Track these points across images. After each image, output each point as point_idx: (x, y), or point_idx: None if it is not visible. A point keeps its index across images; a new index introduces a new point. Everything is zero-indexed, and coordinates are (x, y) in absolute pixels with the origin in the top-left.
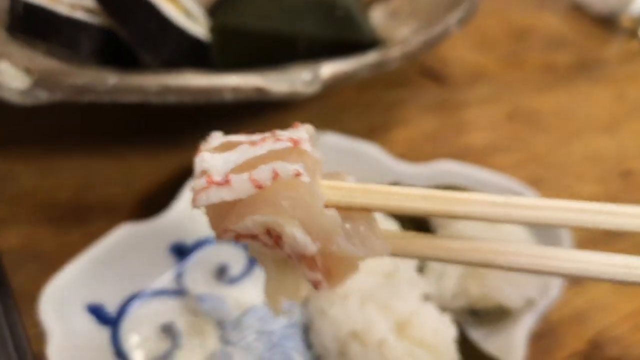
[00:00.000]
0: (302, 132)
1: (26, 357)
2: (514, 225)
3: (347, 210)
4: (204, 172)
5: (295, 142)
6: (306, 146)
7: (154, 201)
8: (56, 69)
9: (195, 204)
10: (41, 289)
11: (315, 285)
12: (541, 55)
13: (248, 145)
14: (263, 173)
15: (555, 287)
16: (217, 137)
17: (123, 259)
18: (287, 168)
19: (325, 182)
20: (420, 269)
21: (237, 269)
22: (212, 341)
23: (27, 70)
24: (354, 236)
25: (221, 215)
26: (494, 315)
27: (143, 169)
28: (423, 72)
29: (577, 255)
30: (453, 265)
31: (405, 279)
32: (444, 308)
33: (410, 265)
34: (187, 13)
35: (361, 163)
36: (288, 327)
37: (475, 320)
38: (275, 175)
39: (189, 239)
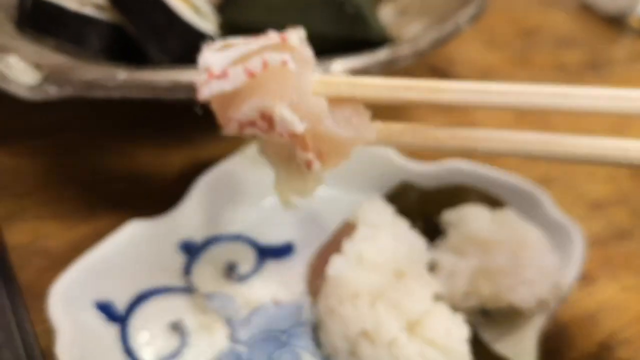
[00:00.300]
0: (292, 33)
1: (34, 353)
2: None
3: (336, 101)
4: (206, 68)
5: (284, 39)
6: (294, 41)
7: (162, 197)
8: (65, 64)
9: (200, 96)
10: (48, 285)
11: (308, 164)
12: (550, 54)
13: (243, 44)
14: (254, 63)
15: (567, 287)
16: (219, 42)
17: (132, 255)
18: (274, 57)
19: (316, 76)
20: (431, 269)
21: (246, 267)
22: (220, 339)
23: (37, 66)
24: (341, 120)
25: (224, 107)
26: (505, 316)
27: (151, 166)
28: (432, 70)
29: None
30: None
31: (416, 278)
32: (455, 308)
33: (421, 264)
34: (196, 9)
35: (371, 160)
36: (297, 326)
37: (486, 321)
38: (265, 64)
39: (198, 236)
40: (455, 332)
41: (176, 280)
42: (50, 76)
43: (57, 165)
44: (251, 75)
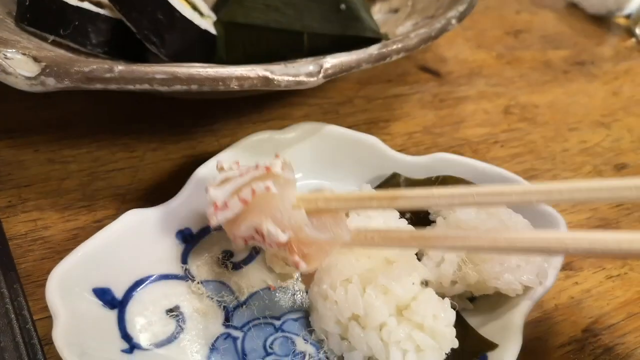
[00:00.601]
0: (277, 161)
1: (32, 340)
2: (512, 213)
3: (316, 212)
4: (212, 202)
5: (268, 169)
6: (277, 170)
7: (160, 189)
8: (64, 57)
9: (212, 225)
10: (48, 274)
11: (296, 265)
12: (538, 52)
13: (238, 177)
14: (246, 193)
15: (552, 274)
16: (218, 176)
17: (130, 243)
18: (260, 185)
19: (298, 195)
20: (420, 255)
21: (241, 255)
22: (216, 326)
23: (35, 58)
24: (319, 227)
25: (231, 228)
26: (491, 302)
27: (149, 159)
28: (423, 68)
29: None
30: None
31: (405, 265)
32: (442, 294)
33: (410, 252)
34: (195, 7)
35: (361, 153)
36: (291, 312)
37: (473, 307)
38: (254, 192)
39: (195, 225)
40: (442, 317)
41: (173, 268)
42: (49, 68)
43: (58, 157)
44: (245, 202)
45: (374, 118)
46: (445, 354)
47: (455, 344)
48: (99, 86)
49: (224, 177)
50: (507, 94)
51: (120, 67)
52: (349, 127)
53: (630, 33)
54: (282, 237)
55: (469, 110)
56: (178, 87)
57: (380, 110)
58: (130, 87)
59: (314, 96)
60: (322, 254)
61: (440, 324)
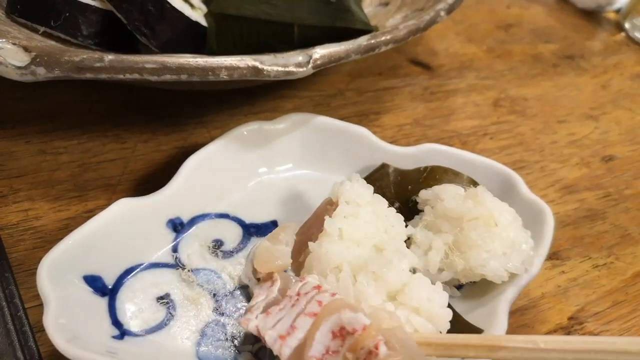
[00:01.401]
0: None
1: (24, 328)
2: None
3: None
4: (274, 337)
5: (319, 287)
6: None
7: (151, 180)
8: (54, 46)
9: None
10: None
11: None
12: (528, 46)
13: (290, 307)
14: (311, 307)
15: (537, 261)
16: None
17: (121, 232)
18: (324, 296)
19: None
20: (408, 244)
21: (232, 243)
22: (206, 312)
23: (26, 48)
24: None
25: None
26: (478, 289)
27: (141, 149)
28: (414, 61)
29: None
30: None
31: (395, 252)
32: (430, 281)
33: (399, 240)
34: None
35: (350, 144)
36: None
37: (460, 294)
38: (320, 303)
39: (186, 214)
40: (436, 299)
41: (164, 257)
42: (39, 58)
43: (50, 148)
44: (313, 315)
45: (365, 110)
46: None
47: (448, 326)
48: (89, 75)
49: (262, 308)
50: (497, 86)
51: (110, 57)
52: (340, 119)
53: (619, 27)
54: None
55: (459, 102)
56: (168, 77)
57: (371, 102)
58: (120, 76)
59: (305, 88)
60: None
61: (435, 306)
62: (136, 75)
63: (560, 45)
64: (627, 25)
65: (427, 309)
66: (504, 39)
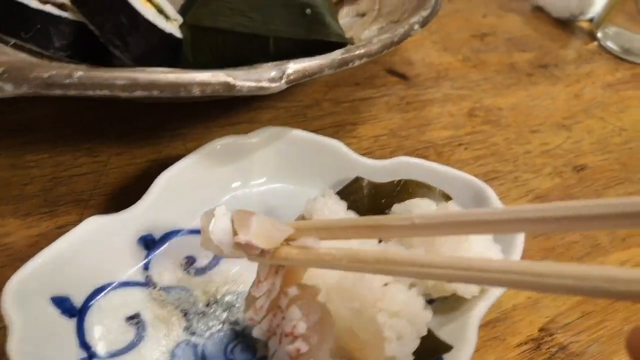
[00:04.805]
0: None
1: None
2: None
3: None
4: None
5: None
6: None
7: (125, 195)
8: (23, 61)
9: None
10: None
11: None
12: (504, 55)
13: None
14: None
15: None
16: None
17: (91, 251)
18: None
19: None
20: None
21: (204, 260)
22: (177, 332)
23: None
24: None
25: None
26: (450, 304)
27: (114, 163)
28: (390, 71)
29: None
30: None
31: None
32: None
33: None
34: (160, 10)
35: (324, 157)
36: None
37: (432, 308)
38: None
39: (158, 231)
40: (414, 302)
41: (134, 275)
42: (7, 73)
43: (20, 162)
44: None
45: (341, 121)
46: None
47: (426, 329)
48: (58, 92)
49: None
50: (472, 96)
51: (79, 73)
52: (316, 130)
53: (592, 36)
54: None
55: (434, 113)
56: (139, 93)
57: (347, 113)
58: (90, 92)
59: (282, 99)
60: None
61: (414, 308)
62: (106, 92)
63: (536, 54)
64: (599, 35)
65: (407, 311)
66: (480, 48)
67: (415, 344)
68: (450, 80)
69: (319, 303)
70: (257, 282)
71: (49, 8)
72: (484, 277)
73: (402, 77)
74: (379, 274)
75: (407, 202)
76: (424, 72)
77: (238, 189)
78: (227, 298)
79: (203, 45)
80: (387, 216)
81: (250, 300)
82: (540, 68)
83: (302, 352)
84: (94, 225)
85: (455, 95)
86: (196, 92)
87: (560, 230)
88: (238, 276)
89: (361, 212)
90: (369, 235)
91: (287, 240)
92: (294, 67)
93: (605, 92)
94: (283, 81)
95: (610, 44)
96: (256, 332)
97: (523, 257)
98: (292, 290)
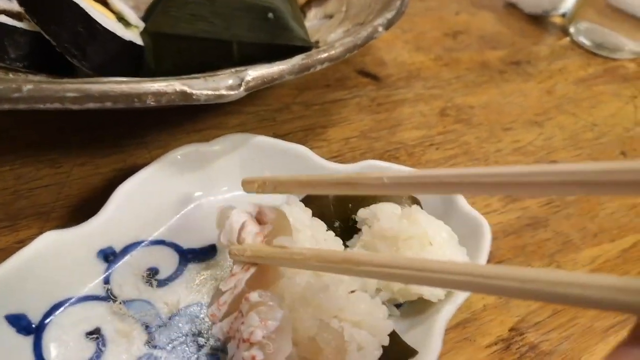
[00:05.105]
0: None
1: None
2: (434, 220)
3: None
4: None
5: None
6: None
7: (89, 206)
8: None
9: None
10: None
11: None
12: (476, 53)
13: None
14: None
15: None
16: None
17: (47, 266)
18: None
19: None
20: None
21: (167, 271)
22: (138, 346)
23: None
24: None
25: None
26: (417, 307)
27: (77, 174)
28: (361, 72)
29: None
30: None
31: (332, 277)
32: None
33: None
34: (120, 17)
35: (290, 163)
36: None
37: (400, 313)
38: None
39: (118, 243)
40: (376, 312)
41: (94, 289)
42: None
43: None
44: None
45: (311, 124)
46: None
47: (387, 340)
48: (7, 106)
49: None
50: (444, 95)
51: (29, 86)
52: (286, 134)
53: (565, 32)
54: None
55: (405, 113)
56: (91, 105)
57: (317, 116)
58: (40, 106)
59: (251, 103)
60: None
61: (376, 318)
62: (57, 105)
63: (508, 51)
64: (571, 30)
65: (369, 322)
66: (452, 46)
67: (377, 354)
68: (422, 80)
69: (280, 312)
70: (229, 277)
71: (2, 18)
72: (447, 279)
73: (374, 77)
74: (344, 274)
75: (372, 206)
76: (396, 72)
77: (201, 197)
78: (191, 309)
79: (165, 52)
80: (361, 174)
81: (216, 294)
82: (513, 65)
83: None
84: (50, 240)
85: (427, 95)
86: (151, 102)
87: (519, 193)
88: (202, 286)
89: (327, 217)
90: (347, 191)
91: (266, 238)
92: (253, 74)
93: (578, 88)
94: (242, 89)
95: (582, 39)
96: (215, 331)
97: (494, 255)
98: (253, 296)
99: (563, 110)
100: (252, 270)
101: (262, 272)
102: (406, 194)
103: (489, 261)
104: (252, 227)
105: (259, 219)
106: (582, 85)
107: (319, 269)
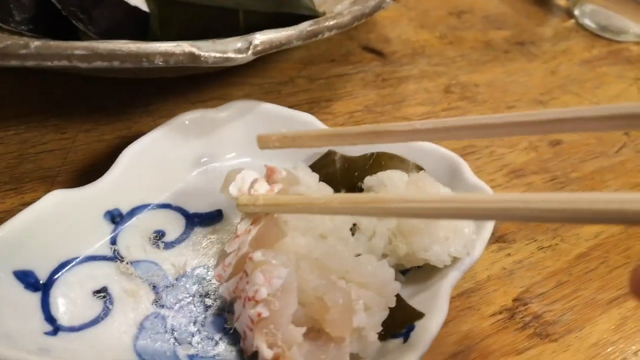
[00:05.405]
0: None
1: None
2: (440, 187)
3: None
4: None
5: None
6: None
7: (93, 171)
8: None
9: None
10: None
11: None
12: (480, 32)
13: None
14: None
15: (479, 245)
16: None
17: (54, 225)
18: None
19: None
20: (353, 231)
21: (174, 234)
22: (145, 305)
23: None
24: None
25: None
26: (422, 274)
27: (82, 140)
28: (366, 48)
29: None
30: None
31: (338, 239)
32: None
33: (344, 228)
34: None
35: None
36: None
37: (405, 279)
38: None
39: (125, 205)
40: (383, 273)
41: (101, 249)
42: None
43: None
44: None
45: (316, 98)
46: (389, 307)
47: (394, 301)
48: (14, 63)
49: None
50: (449, 73)
51: (36, 43)
52: (291, 106)
53: (569, 14)
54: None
55: (410, 89)
56: (99, 64)
57: (322, 90)
58: (48, 63)
59: (255, 75)
60: None
61: (382, 280)
62: (65, 62)
63: (512, 32)
64: (576, 12)
65: (375, 283)
66: (457, 25)
67: (383, 315)
68: (427, 57)
69: (284, 270)
70: (233, 239)
71: None
72: (480, 208)
73: (379, 54)
74: (370, 215)
75: (380, 174)
76: (401, 49)
77: (207, 163)
78: (198, 271)
79: (171, 19)
80: (389, 124)
81: (222, 256)
82: (517, 45)
83: (263, 317)
84: (58, 199)
85: (431, 72)
86: (159, 62)
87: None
88: (209, 249)
89: (334, 185)
90: (372, 140)
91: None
92: (261, 38)
93: (582, 69)
94: (250, 52)
95: (587, 21)
96: (222, 290)
97: (497, 228)
98: (257, 255)
99: (567, 90)
100: (255, 231)
101: (265, 231)
102: (438, 139)
103: (492, 234)
104: (263, 184)
105: (269, 179)
106: (586, 67)
107: (343, 211)
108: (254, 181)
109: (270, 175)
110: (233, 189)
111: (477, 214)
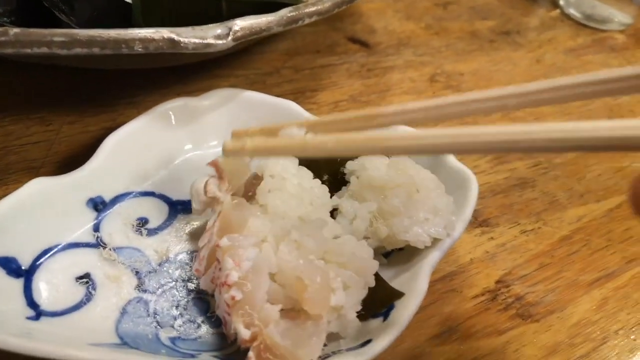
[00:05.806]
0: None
1: None
2: (421, 169)
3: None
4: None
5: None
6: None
7: (77, 162)
8: None
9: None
10: None
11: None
12: (466, 23)
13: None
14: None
15: (459, 226)
16: None
17: (37, 211)
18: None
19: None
20: (334, 214)
21: (157, 221)
22: (128, 290)
23: None
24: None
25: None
26: (404, 255)
27: (66, 131)
28: (351, 39)
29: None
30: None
31: (317, 221)
32: None
33: (324, 210)
34: None
35: (278, 118)
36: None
37: (387, 261)
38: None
39: (108, 193)
40: (361, 252)
41: (84, 236)
42: None
43: None
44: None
45: (301, 88)
46: (369, 288)
47: (373, 280)
48: None
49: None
50: (434, 62)
51: (16, 30)
52: (276, 97)
53: (555, 4)
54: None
55: (395, 79)
56: (79, 50)
57: (307, 80)
58: (28, 50)
59: (241, 67)
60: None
61: (361, 259)
62: (45, 49)
63: (498, 22)
64: (561, 2)
65: (354, 262)
66: (442, 16)
67: (362, 293)
68: (412, 48)
69: (252, 251)
70: (205, 233)
71: None
72: (477, 141)
73: (364, 44)
74: (368, 154)
75: (361, 158)
76: (386, 39)
77: (190, 151)
78: (180, 257)
79: (153, 9)
80: (383, 107)
81: (198, 251)
82: (503, 35)
83: (238, 300)
84: (41, 187)
85: (416, 62)
86: (139, 48)
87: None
88: (192, 236)
89: (315, 169)
90: (368, 126)
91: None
92: (241, 24)
93: (567, 57)
94: (230, 38)
95: (572, 11)
96: (202, 284)
97: (481, 213)
98: (224, 242)
99: (551, 78)
100: (218, 222)
101: (226, 219)
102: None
103: (475, 218)
104: (214, 182)
105: (218, 174)
106: (571, 55)
107: (338, 152)
108: (205, 184)
109: (217, 171)
110: (196, 205)
111: (473, 147)
